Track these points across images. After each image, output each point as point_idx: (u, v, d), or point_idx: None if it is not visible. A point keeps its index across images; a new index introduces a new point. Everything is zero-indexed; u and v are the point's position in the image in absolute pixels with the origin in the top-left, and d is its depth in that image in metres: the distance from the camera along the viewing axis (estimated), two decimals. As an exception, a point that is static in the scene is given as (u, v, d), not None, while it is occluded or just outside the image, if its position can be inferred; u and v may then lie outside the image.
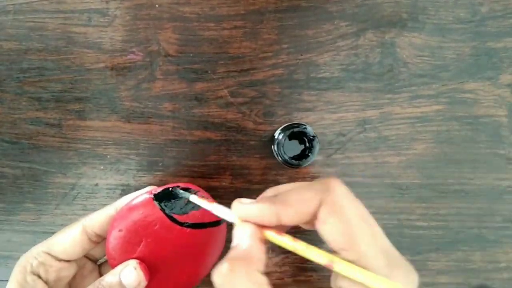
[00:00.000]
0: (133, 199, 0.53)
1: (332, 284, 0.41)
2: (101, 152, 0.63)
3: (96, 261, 0.57)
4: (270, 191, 0.44)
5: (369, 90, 0.61)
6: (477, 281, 0.63)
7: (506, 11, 0.60)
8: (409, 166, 0.62)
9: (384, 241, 0.39)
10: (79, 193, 0.63)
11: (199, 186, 0.60)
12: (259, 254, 0.38)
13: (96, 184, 0.63)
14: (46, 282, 0.50)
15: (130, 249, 0.50)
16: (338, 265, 0.36)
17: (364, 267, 0.35)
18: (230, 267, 0.37)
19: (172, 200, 0.52)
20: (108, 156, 0.63)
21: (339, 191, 0.39)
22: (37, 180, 0.64)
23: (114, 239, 0.50)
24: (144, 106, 0.62)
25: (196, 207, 0.52)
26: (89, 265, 0.56)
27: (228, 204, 0.63)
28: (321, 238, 0.39)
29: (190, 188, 0.54)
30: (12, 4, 0.61)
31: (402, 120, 0.61)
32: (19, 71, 0.62)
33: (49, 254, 0.51)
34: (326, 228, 0.38)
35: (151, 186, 0.55)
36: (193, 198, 0.51)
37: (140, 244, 0.50)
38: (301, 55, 0.61)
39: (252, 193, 0.62)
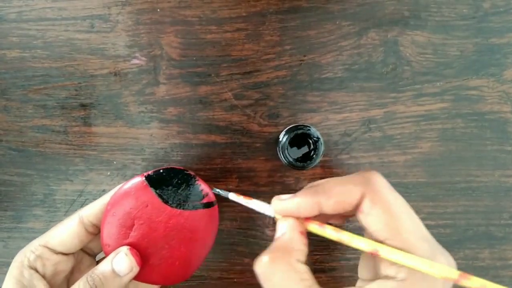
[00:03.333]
0: (125, 183, 0.53)
1: (361, 274, 0.44)
2: (107, 158, 0.63)
3: (95, 256, 0.58)
4: (309, 185, 0.44)
5: (373, 90, 0.61)
6: (485, 279, 0.63)
7: (508, 6, 0.59)
8: (415, 164, 0.62)
9: (424, 229, 0.40)
10: (86, 199, 0.64)
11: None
12: (300, 245, 0.40)
13: (103, 190, 0.63)
14: (43, 276, 0.50)
15: (123, 233, 0.51)
16: (384, 251, 0.37)
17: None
18: (271, 257, 0.39)
19: (164, 183, 0.53)
20: (114, 162, 0.63)
21: (380, 182, 0.41)
22: (45, 188, 0.64)
23: (107, 224, 0.51)
24: (148, 110, 0.62)
25: (186, 191, 0.53)
26: (87, 259, 0.56)
27: (234, 208, 0.64)
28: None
29: (193, 175, 0.55)
30: (15, 12, 0.61)
31: (407, 119, 0.61)
32: (24, 79, 0.62)
33: (46, 247, 0.51)
34: (370, 219, 0.39)
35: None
36: (232, 196, 0.52)
37: (132, 227, 0.50)
38: (304, 56, 0.61)
39: (259, 195, 0.62)
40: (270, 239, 0.61)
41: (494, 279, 0.62)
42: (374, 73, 0.61)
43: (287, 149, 0.57)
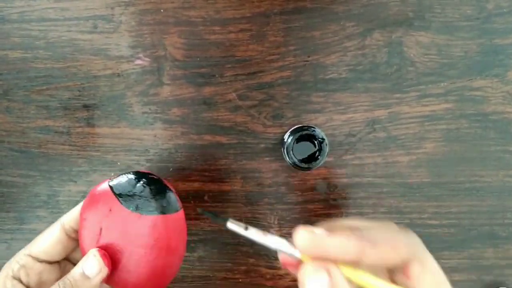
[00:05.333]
0: (94, 188, 0.52)
1: None
2: (111, 159, 0.63)
3: None
4: (342, 226, 0.39)
5: (377, 90, 0.61)
6: (490, 278, 0.63)
7: (512, 7, 0.60)
8: (419, 165, 0.62)
9: None
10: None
11: (210, 191, 0.61)
12: None
13: (107, 191, 0.63)
14: (27, 287, 0.49)
15: (93, 237, 0.50)
16: None
17: None
18: None
19: (127, 188, 0.51)
20: (118, 163, 0.63)
21: (425, 248, 0.38)
22: (48, 189, 0.64)
23: (81, 230, 0.50)
24: (152, 111, 0.62)
25: (148, 195, 0.51)
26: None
27: (239, 209, 0.64)
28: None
29: (157, 178, 0.53)
30: (17, 13, 0.61)
31: (411, 119, 0.61)
32: (26, 80, 0.62)
33: (30, 255, 0.50)
34: (418, 285, 0.36)
35: None
36: (232, 226, 0.42)
37: (100, 232, 0.50)
38: (308, 56, 0.61)
39: (264, 196, 0.63)
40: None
41: (498, 278, 0.63)
42: (379, 73, 0.61)
43: (292, 149, 0.57)
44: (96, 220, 0.50)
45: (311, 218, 0.63)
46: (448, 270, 0.62)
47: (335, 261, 0.35)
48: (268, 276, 0.64)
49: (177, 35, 0.61)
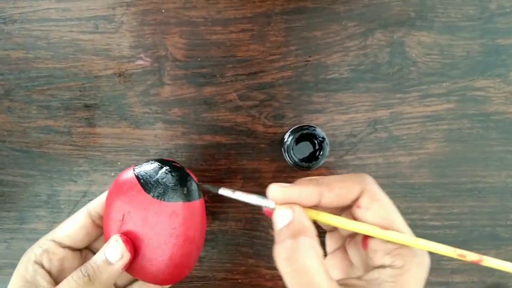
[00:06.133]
0: (120, 174, 0.53)
1: (330, 247, 0.50)
2: (112, 159, 0.63)
3: None
4: (304, 179, 0.45)
5: (378, 90, 0.61)
6: (491, 280, 0.63)
7: (515, 7, 0.60)
8: (421, 165, 0.62)
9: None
10: (90, 200, 0.63)
11: (210, 191, 0.61)
12: (312, 229, 0.40)
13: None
14: (49, 273, 0.50)
15: (116, 224, 0.51)
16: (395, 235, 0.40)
17: None
18: (294, 240, 0.38)
19: (150, 174, 0.51)
20: (119, 163, 0.63)
21: (375, 183, 0.44)
22: (49, 188, 0.64)
23: (105, 216, 0.51)
24: (153, 111, 0.62)
25: (171, 182, 0.51)
26: None
27: (239, 209, 0.64)
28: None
29: (180, 167, 0.53)
30: (19, 13, 0.61)
31: (413, 120, 0.61)
32: (28, 80, 0.62)
33: (53, 240, 0.51)
34: (369, 213, 0.41)
35: None
36: (223, 191, 0.50)
37: (123, 219, 0.50)
38: (310, 56, 0.61)
39: (264, 196, 0.62)
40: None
41: (500, 279, 0.62)
42: (380, 73, 0.60)
43: (292, 149, 0.56)
44: (120, 207, 0.50)
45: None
46: (449, 272, 0.62)
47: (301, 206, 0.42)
48: (267, 277, 0.64)
49: (178, 35, 0.61)
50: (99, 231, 0.54)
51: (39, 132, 0.63)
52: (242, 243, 0.63)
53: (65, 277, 0.50)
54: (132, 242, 0.50)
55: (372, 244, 0.42)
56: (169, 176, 0.51)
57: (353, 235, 0.47)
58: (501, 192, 0.62)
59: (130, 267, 0.50)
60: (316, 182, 0.42)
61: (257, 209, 0.62)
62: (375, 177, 0.61)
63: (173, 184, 0.51)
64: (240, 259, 0.64)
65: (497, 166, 0.61)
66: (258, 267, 0.64)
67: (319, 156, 0.56)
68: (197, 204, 0.52)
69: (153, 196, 0.50)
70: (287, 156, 0.57)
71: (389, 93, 0.61)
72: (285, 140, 0.58)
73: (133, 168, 0.52)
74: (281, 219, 0.41)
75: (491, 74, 0.60)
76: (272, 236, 0.63)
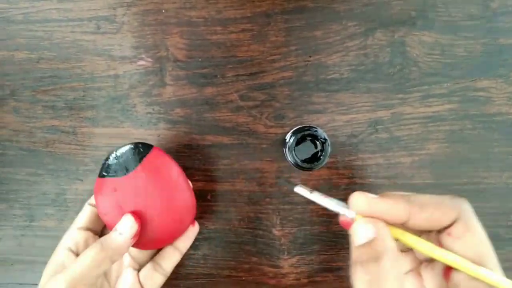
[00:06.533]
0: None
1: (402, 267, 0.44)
2: (116, 159, 0.64)
3: None
4: (394, 194, 0.42)
5: (379, 91, 0.60)
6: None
7: (517, 6, 0.59)
8: (422, 166, 0.61)
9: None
10: (96, 199, 0.65)
11: (213, 190, 0.62)
12: (395, 255, 0.38)
13: (112, 190, 0.64)
14: (76, 254, 0.55)
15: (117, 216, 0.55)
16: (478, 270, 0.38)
17: None
18: (376, 263, 0.37)
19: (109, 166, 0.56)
20: (123, 163, 0.64)
21: (472, 210, 0.41)
22: (56, 187, 0.65)
23: (108, 223, 0.55)
24: (156, 111, 0.62)
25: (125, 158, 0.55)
26: None
27: (241, 208, 0.64)
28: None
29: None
30: (22, 14, 0.62)
31: (414, 120, 0.61)
32: (32, 80, 0.63)
33: (76, 228, 0.58)
34: (459, 244, 0.39)
35: None
36: (299, 190, 0.49)
37: (123, 210, 0.55)
38: (310, 56, 0.60)
39: (266, 196, 0.63)
40: (277, 238, 0.62)
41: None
42: (381, 74, 0.60)
43: (294, 150, 0.56)
44: (113, 206, 0.55)
45: (313, 219, 0.63)
46: (450, 272, 0.62)
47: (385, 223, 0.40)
48: (270, 275, 0.64)
49: (179, 35, 0.61)
50: None
51: (45, 132, 0.64)
52: (245, 242, 0.64)
53: None
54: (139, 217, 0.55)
55: (456, 277, 0.39)
56: (123, 155, 0.55)
57: (431, 260, 0.44)
58: (503, 193, 0.61)
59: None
60: (407, 199, 0.40)
61: (259, 208, 0.63)
62: (376, 178, 0.62)
63: (129, 157, 0.55)
64: (244, 257, 0.65)
65: (498, 167, 0.61)
66: (261, 265, 0.64)
67: (321, 157, 0.56)
68: (152, 153, 0.56)
69: (124, 175, 0.55)
70: (289, 157, 0.57)
71: (390, 93, 0.60)
72: (287, 140, 0.58)
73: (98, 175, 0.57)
74: (362, 234, 0.39)
75: (493, 74, 0.59)
76: (275, 235, 0.63)
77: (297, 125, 0.60)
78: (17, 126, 0.64)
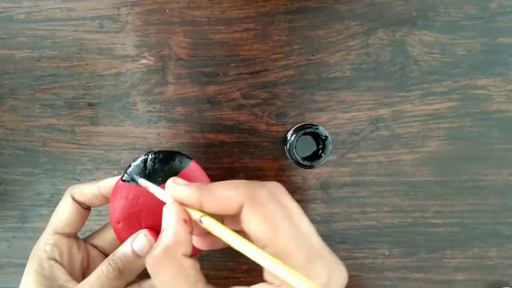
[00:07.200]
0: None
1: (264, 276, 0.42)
2: (115, 158, 0.63)
3: (105, 254, 0.57)
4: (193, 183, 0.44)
5: (380, 89, 0.61)
6: (493, 278, 0.63)
7: (515, 6, 0.60)
8: (423, 163, 0.62)
9: (309, 238, 0.39)
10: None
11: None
12: (185, 237, 0.40)
13: (111, 189, 0.64)
14: (61, 264, 0.50)
15: (136, 231, 0.50)
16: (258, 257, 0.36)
17: (282, 261, 0.35)
18: (157, 255, 0.38)
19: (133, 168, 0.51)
20: (122, 161, 0.63)
21: (262, 193, 0.40)
22: (52, 187, 0.64)
23: (119, 232, 0.51)
24: (156, 110, 0.62)
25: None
26: (98, 257, 0.56)
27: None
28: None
29: (158, 151, 0.52)
30: (24, 13, 0.62)
31: (415, 118, 0.61)
32: (32, 79, 0.63)
33: (56, 233, 0.52)
34: (250, 228, 0.38)
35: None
36: (142, 181, 0.49)
37: (140, 223, 0.50)
38: (312, 55, 0.61)
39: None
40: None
41: (502, 277, 0.63)
42: (382, 72, 0.61)
43: (295, 148, 0.57)
44: (130, 215, 0.50)
45: (313, 218, 0.63)
46: (451, 270, 0.63)
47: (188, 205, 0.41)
48: (270, 276, 0.64)
49: (182, 34, 0.61)
50: (87, 212, 0.54)
51: (42, 131, 0.63)
52: (244, 242, 0.63)
53: (76, 268, 0.52)
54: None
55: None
56: (155, 165, 0.51)
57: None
58: (503, 190, 0.62)
59: None
60: (200, 185, 0.41)
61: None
62: (377, 176, 0.62)
63: (157, 165, 0.51)
64: (242, 258, 0.63)
65: (498, 164, 0.62)
66: (259, 266, 0.63)
67: (322, 155, 0.57)
68: (189, 169, 0.52)
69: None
70: (290, 155, 0.57)
71: (391, 91, 0.61)
72: (288, 138, 0.58)
73: (120, 178, 0.51)
74: (165, 213, 0.42)
75: (492, 72, 0.61)
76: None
77: (299, 123, 0.60)
78: (14, 125, 0.64)
